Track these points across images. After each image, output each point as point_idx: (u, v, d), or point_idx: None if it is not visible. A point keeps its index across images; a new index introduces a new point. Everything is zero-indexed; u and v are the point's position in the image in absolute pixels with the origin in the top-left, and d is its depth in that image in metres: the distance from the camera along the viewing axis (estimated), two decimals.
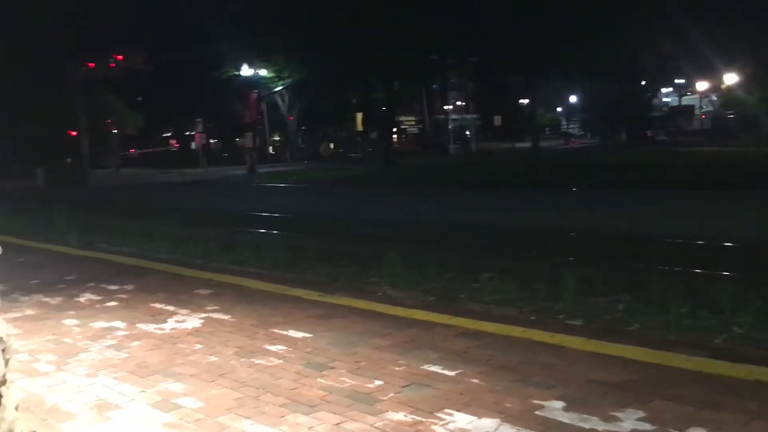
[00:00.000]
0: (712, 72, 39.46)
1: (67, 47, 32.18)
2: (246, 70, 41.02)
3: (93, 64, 35.16)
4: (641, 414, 3.20)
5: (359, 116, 48.21)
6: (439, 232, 10.58)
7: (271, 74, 43.51)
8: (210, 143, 51.92)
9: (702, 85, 46.59)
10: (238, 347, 4.62)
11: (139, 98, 46.36)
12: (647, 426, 3.08)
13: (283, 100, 47.98)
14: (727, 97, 41.78)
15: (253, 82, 42.52)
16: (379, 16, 31.84)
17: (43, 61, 31.01)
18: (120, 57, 36.95)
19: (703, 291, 5.05)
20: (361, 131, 50.66)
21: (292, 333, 4.91)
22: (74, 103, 34.87)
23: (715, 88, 44.64)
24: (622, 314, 4.89)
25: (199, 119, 40.40)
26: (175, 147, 54.13)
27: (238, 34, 36.81)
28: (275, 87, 44.70)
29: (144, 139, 50.41)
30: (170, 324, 5.30)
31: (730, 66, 36.61)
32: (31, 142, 34.83)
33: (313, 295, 6.06)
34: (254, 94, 39.45)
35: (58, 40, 30.83)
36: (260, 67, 41.36)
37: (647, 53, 36.97)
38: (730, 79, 39.50)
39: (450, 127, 57.63)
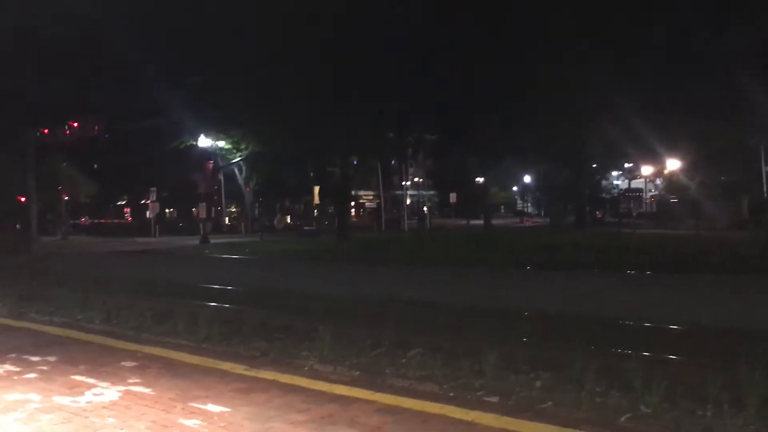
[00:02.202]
0: (656, 157, 41.13)
1: (23, 115, 32.02)
2: (203, 141, 41.28)
3: (47, 131, 34.97)
4: None
5: (316, 189, 48.64)
6: (379, 308, 10.61)
7: (229, 145, 43.88)
8: (164, 213, 51.54)
9: (647, 170, 48.47)
10: (152, 421, 4.54)
11: (95, 166, 46.06)
12: None
13: (240, 172, 48.24)
14: (671, 181, 43.47)
15: (211, 152, 42.77)
16: (336, 94, 32.56)
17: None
18: (76, 124, 36.87)
19: (618, 370, 5.17)
20: (317, 204, 50.99)
21: (211, 407, 4.85)
22: (25, 169, 34.41)
23: (659, 173, 46.45)
24: (539, 391, 4.97)
25: (153, 188, 40.20)
26: (128, 216, 53.51)
27: (195, 106, 37.20)
28: (233, 158, 44.99)
29: (97, 207, 49.77)
30: (87, 397, 5.19)
31: (672, 152, 38.25)
32: None
33: (239, 369, 6.01)
34: (210, 165, 39.60)
35: (13, 108, 30.68)
36: (217, 139, 41.70)
37: (595, 138, 38.46)
38: (673, 164, 41.18)
39: (407, 203, 58.42)
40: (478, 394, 5.02)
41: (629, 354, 5.32)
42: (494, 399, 4.86)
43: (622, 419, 4.24)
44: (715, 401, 4.30)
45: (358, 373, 5.81)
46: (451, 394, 5.04)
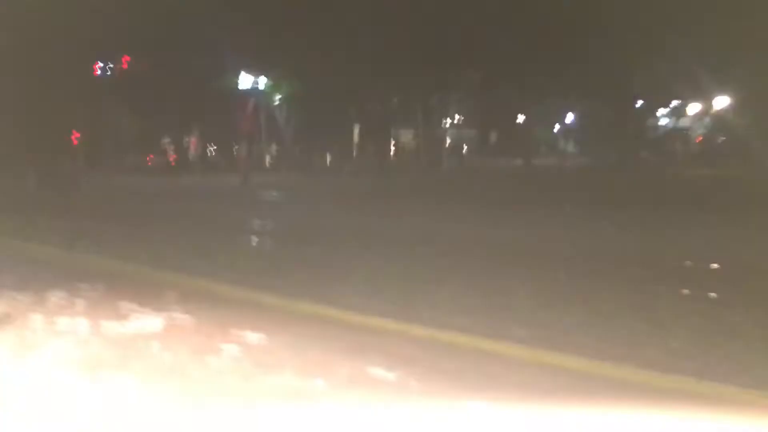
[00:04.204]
0: (704, 95, 39.81)
1: (76, 50, 32.39)
2: (245, 80, 41.30)
3: (96, 68, 35.41)
4: (561, 418, 3.35)
5: (356, 128, 48.55)
6: (417, 245, 10.72)
7: (270, 85, 43.84)
8: (207, 152, 52.12)
9: (695, 108, 46.94)
10: (194, 346, 4.77)
11: (138, 104, 46.57)
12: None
13: (280, 112, 48.31)
14: (719, 120, 42.09)
15: (252, 92, 42.81)
16: (379, 34, 32.14)
17: (54, 62, 31.14)
18: (127, 58, 37.24)
19: (651, 308, 5.19)
20: (358, 143, 50.99)
21: (249, 335, 5.03)
22: (76, 106, 35.12)
23: (707, 112, 44.97)
24: (569, 326, 5.04)
25: (196, 127, 40.56)
26: (172, 154, 54.28)
27: (239, 44, 37.10)
28: (274, 98, 45.01)
29: (141, 145, 50.54)
30: (132, 323, 5.44)
31: (721, 89, 36.95)
32: (29, 144, 34.97)
33: (278, 301, 6.22)
34: (251, 104, 39.69)
35: (67, 43, 31.04)
36: (259, 78, 41.67)
37: (641, 75, 37.33)
38: (722, 102, 39.81)
39: (447, 141, 57.83)
40: (510, 327, 5.12)
41: (663, 291, 5.32)
42: (524, 332, 4.96)
43: (650, 352, 4.31)
44: (744, 338, 4.32)
45: (393, 306, 5.95)
46: (483, 328, 5.15)
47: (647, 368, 3.99)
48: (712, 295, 5.97)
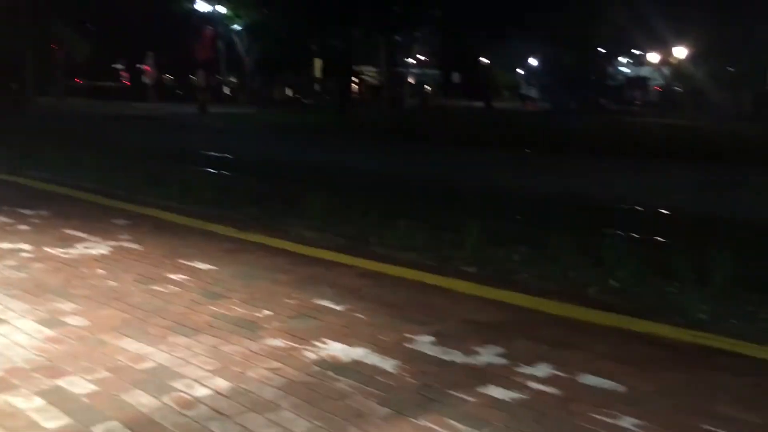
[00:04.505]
0: (664, 45, 40.07)
1: None
2: (202, 5, 39.91)
3: None
4: (500, 350, 3.44)
5: (318, 63, 47.56)
6: (371, 180, 10.73)
7: (229, 12, 42.45)
8: (163, 79, 50.67)
9: (654, 58, 47.31)
10: (140, 274, 4.72)
11: (89, 25, 44.77)
12: (501, 360, 3.32)
13: (240, 41, 46.97)
14: (677, 70, 42.55)
15: (210, 18, 41.46)
16: None
17: None
18: None
19: (594, 249, 5.30)
20: (319, 78, 50.06)
21: (198, 264, 5.02)
22: (22, 26, 33.49)
23: (666, 61, 45.37)
24: (516, 265, 5.13)
25: (150, 52, 39.25)
26: (125, 80, 52.61)
27: None
28: (232, 26, 43.67)
29: (93, 69, 48.77)
30: (78, 250, 5.35)
31: (680, 39, 37.24)
32: None
33: (229, 231, 6.17)
34: (209, 31, 38.49)
35: None
36: (217, 3, 40.30)
37: (603, 22, 37.32)
38: (681, 52, 40.17)
39: (410, 80, 57.31)
40: (457, 264, 5.19)
41: (605, 234, 5.44)
42: (472, 269, 5.03)
43: (591, 291, 4.42)
44: (680, 279, 4.46)
45: (344, 240, 5.96)
46: (432, 264, 5.21)
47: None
48: None
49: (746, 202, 9.54)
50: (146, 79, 41.18)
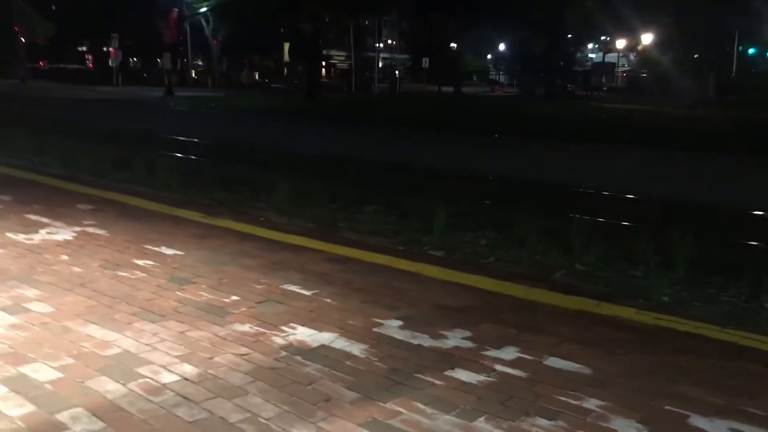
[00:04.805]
0: (631, 31, 40.52)
1: None
2: None
3: None
4: (467, 334, 3.47)
5: (286, 46, 47.15)
6: (339, 165, 10.70)
7: None
8: (128, 61, 49.79)
9: (621, 44, 47.82)
10: (105, 260, 4.65)
11: (52, 6, 43.73)
12: (468, 344, 3.35)
13: (207, 23, 46.29)
14: (644, 56, 43.08)
15: (177, 0, 40.80)
16: None
17: None
18: None
19: (560, 233, 5.37)
20: (287, 62, 49.64)
21: (164, 250, 4.96)
22: None
23: (634, 48, 45.91)
24: (483, 249, 5.18)
25: (115, 35, 38.52)
26: (90, 63, 51.60)
27: None
28: (199, 7, 43.02)
29: (56, 51, 47.73)
30: (41, 235, 5.26)
31: (647, 26, 37.68)
32: None
33: (196, 216, 6.11)
34: (175, 13, 37.87)
35: None
36: None
37: (572, 8, 37.58)
38: (647, 39, 40.67)
39: (379, 65, 57.08)
40: (426, 248, 5.21)
41: (572, 218, 5.50)
42: (440, 254, 5.06)
43: (557, 275, 4.48)
44: (645, 263, 4.54)
45: (312, 225, 5.95)
46: (400, 248, 5.22)
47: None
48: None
49: (709, 187, 9.74)
50: (111, 62, 40.43)
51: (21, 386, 2.76)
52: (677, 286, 4.26)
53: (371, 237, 5.54)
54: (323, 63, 53.75)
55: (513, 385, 2.90)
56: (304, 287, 4.18)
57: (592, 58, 62.70)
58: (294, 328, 3.50)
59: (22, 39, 40.54)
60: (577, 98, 39.82)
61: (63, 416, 2.54)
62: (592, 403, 2.74)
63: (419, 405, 2.70)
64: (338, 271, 4.56)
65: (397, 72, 59.54)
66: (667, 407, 2.73)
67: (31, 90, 36.02)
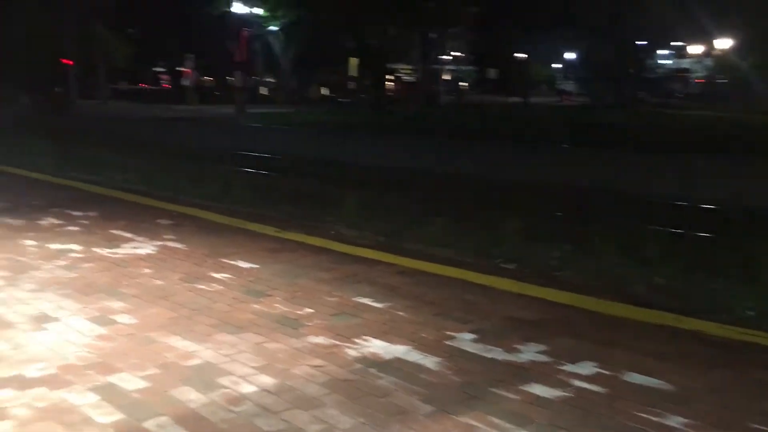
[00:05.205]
0: (706, 36, 39.25)
1: None
2: (239, 7, 40.30)
3: None
4: (542, 347, 3.43)
5: (353, 61, 47.70)
6: (409, 178, 10.75)
7: (266, 13, 42.82)
8: (202, 81, 51.34)
9: (696, 49, 46.35)
10: (185, 273, 4.81)
11: (131, 30, 45.64)
12: (543, 357, 3.31)
13: (277, 42, 47.34)
14: (720, 61, 41.63)
15: (247, 20, 41.85)
16: None
17: None
18: None
19: (639, 245, 5.24)
20: (354, 77, 50.20)
21: (240, 263, 5.09)
22: (66, 31, 34.38)
23: (709, 53, 44.44)
24: (557, 261, 5.09)
25: (190, 55, 39.84)
26: (166, 83, 53.52)
27: None
28: (269, 27, 44.04)
29: (134, 73, 49.79)
30: (125, 249, 5.48)
31: (724, 30, 36.40)
32: (19, 68, 34.43)
33: (269, 230, 6.24)
34: (245, 33, 38.86)
35: None
36: (253, 5, 40.66)
37: (639, 11, 36.70)
38: (724, 43, 39.28)
39: (446, 77, 57.09)
40: (497, 261, 5.17)
41: (651, 229, 5.36)
42: (512, 266, 5.01)
43: (634, 288, 4.37)
44: (726, 275, 4.38)
45: (383, 238, 5.99)
46: (471, 261, 5.20)
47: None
48: None
49: None
50: (186, 82, 41.82)
51: (110, 395, 2.89)
52: (763, 300, 4.08)
53: (441, 249, 5.53)
54: (389, 76, 54.14)
55: (591, 401, 2.84)
56: (376, 300, 4.22)
57: (664, 65, 61.06)
58: (367, 341, 3.53)
59: (104, 62, 42.45)
60: (649, 105, 38.77)
61: (149, 424, 2.64)
62: (674, 420, 2.67)
63: (494, 419, 2.68)
64: (409, 284, 4.58)
65: (462, 84, 59.41)
66: (754, 425, 2.63)
67: (111, 110, 37.62)
